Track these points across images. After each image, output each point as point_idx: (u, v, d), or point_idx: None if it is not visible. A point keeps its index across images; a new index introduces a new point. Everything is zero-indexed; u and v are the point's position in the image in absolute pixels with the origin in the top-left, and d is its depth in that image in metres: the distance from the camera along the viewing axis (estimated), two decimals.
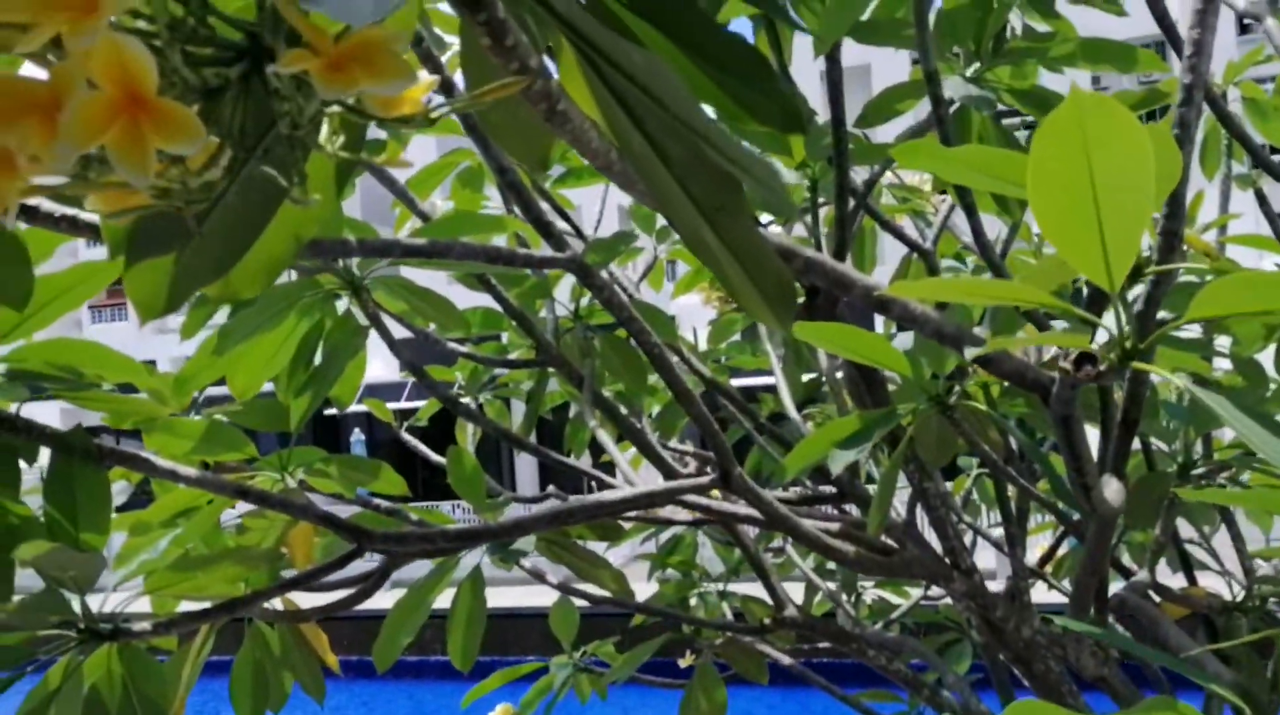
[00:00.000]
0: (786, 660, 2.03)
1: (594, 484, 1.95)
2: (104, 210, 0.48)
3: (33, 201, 0.87)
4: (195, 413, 1.61)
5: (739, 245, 0.53)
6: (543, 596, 2.45)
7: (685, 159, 0.53)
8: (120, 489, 1.43)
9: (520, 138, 0.72)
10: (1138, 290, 0.96)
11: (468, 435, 2.34)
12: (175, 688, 1.39)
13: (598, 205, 2.32)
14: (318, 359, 1.53)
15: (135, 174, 0.37)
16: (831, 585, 2.35)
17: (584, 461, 2.23)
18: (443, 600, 1.91)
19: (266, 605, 1.44)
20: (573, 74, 0.65)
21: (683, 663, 2.60)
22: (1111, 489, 1.02)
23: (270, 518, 1.43)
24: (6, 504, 1.11)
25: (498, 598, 2.47)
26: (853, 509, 2.08)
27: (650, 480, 1.95)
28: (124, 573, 1.36)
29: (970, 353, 0.81)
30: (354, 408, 1.87)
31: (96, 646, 1.14)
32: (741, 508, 1.28)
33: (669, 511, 2.29)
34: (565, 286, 2.05)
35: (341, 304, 1.52)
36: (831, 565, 2.69)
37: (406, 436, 2.31)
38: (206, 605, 1.16)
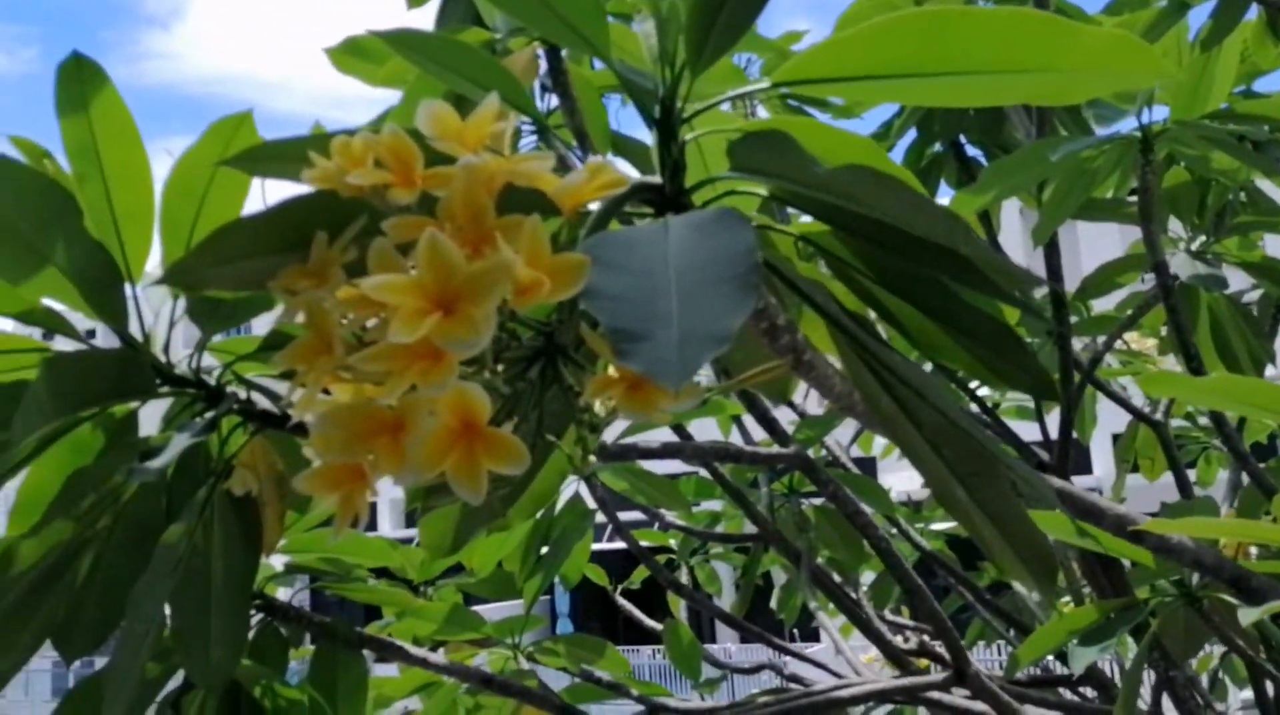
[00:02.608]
0: None
1: (795, 633, 1.92)
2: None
3: None
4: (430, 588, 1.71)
5: (994, 509, 0.55)
6: None
7: (938, 426, 0.56)
8: None
9: (765, 378, 0.76)
10: None
11: (680, 601, 2.36)
12: None
13: None
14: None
15: (470, 494, 0.42)
16: None
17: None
18: None
19: None
20: (816, 328, 0.69)
21: None
22: None
23: (501, 701, 1.49)
24: (275, 686, 1.21)
25: None
26: (1087, 690, 1.97)
27: (859, 645, 1.91)
28: None
29: (1246, 616, 0.78)
30: None
31: None
32: (977, 704, 1.24)
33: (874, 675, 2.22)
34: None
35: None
36: None
37: (620, 600, 2.35)
38: None
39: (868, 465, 2.69)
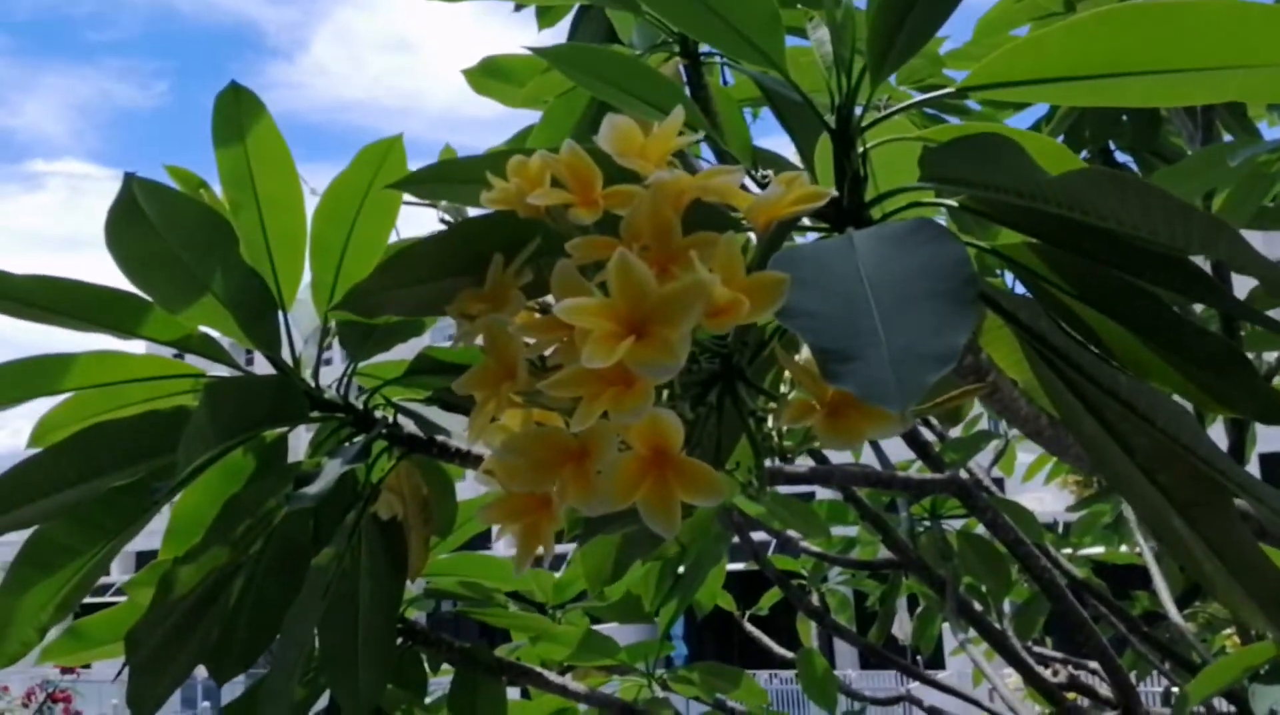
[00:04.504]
0: None
1: (919, 659, 1.84)
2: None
3: (463, 446, 0.97)
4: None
5: (1220, 542, 0.50)
6: None
7: (1153, 450, 0.51)
8: None
9: (939, 401, 0.72)
10: None
11: (811, 630, 2.30)
12: None
13: None
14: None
15: (664, 527, 0.40)
16: None
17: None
18: None
19: None
20: (1000, 344, 0.64)
21: None
22: None
23: None
24: (415, 710, 1.20)
25: None
26: None
27: (998, 674, 1.82)
28: None
29: None
30: None
31: None
32: None
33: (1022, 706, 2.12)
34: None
35: None
36: None
37: (750, 627, 2.30)
38: None
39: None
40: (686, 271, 0.40)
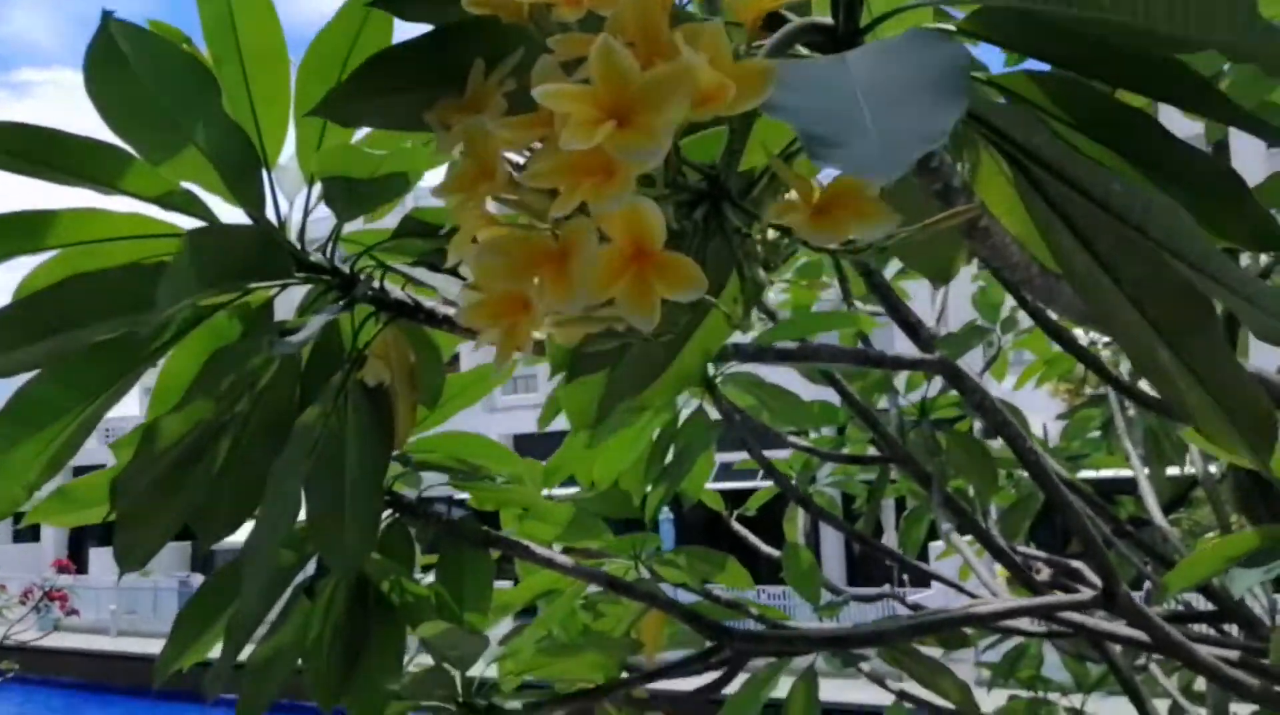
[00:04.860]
0: None
1: (905, 577, 1.87)
2: (564, 340, 0.51)
3: (451, 312, 0.96)
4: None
5: (1205, 368, 0.50)
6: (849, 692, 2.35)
7: (1142, 278, 0.50)
8: None
9: (929, 255, 0.71)
10: None
11: (797, 528, 2.32)
12: None
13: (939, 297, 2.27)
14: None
15: (643, 321, 0.39)
16: (1200, 708, 2.11)
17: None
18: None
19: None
20: (994, 190, 0.63)
21: None
22: None
23: (625, 604, 1.48)
24: (404, 582, 1.22)
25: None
26: (1233, 629, 1.87)
27: (986, 580, 1.85)
28: (492, 651, 1.44)
29: None
30: None
31: None
32: (1122, 628, 1.17)
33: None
34: (901, 378, 2.01)
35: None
36: (1200, 687, 2.42)
37: (737, 526, 2.33)
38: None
39: None
40: (671, 60, 0.39)
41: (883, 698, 2.24)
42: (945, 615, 1.11)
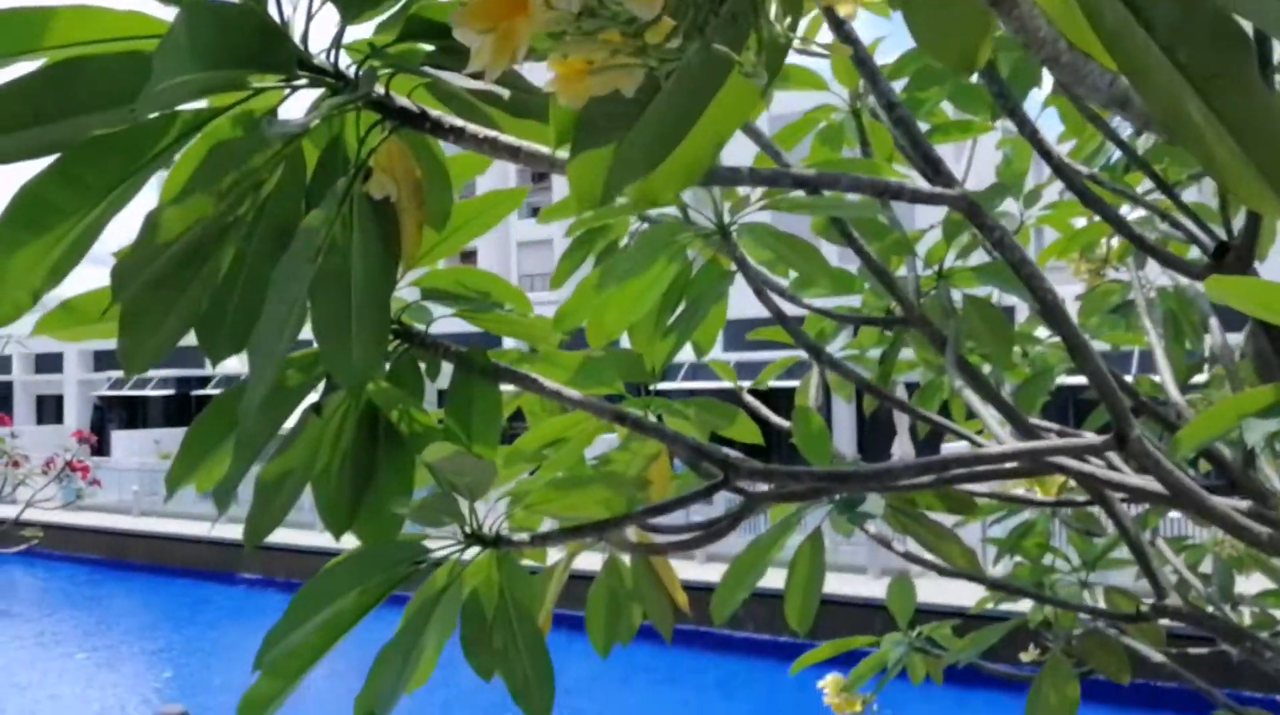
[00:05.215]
0: (1158, 657, 1.85)
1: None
2: (564, 93, 0.49)
3: (458, 123, 0.94)
4: None
5: (1237, 117, 0.47)
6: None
7: (1176, 21, 0.48)
8: None
9: (950, 35, 0.68)
10: None
11: (809, 397, 2.32)
12: (542, 601, 1.47)
13: (961, 164, 2.22)
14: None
15: (643, 7, 0.37)
16: (1205, 587, 2.13)
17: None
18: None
19: (623, 536, 1.50)
20: None
21: (1025, 657, 2.45)
22: None
23: (632, 451, 1.48)
24: (413, 411, 1.22)
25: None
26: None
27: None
28: (500, 491, 1.45)
29: None
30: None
31: (480, 552, 1.22)
32: (1133, 478, 1.17)
33: (1025, 492, 2.16)
34: (923, 248, 1.97)
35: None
36: (1206, 569, 2.44)
37: (749, 397, 2.32)
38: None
39: None
40: None
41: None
42: (953, 456, 1.10)
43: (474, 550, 1.23)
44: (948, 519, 2.00)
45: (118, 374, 35.37)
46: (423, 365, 1.25)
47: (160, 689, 14.18)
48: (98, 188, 0.88)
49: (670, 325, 1.50)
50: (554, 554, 1.68)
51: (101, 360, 36.37)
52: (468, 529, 1.21)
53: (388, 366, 1.23)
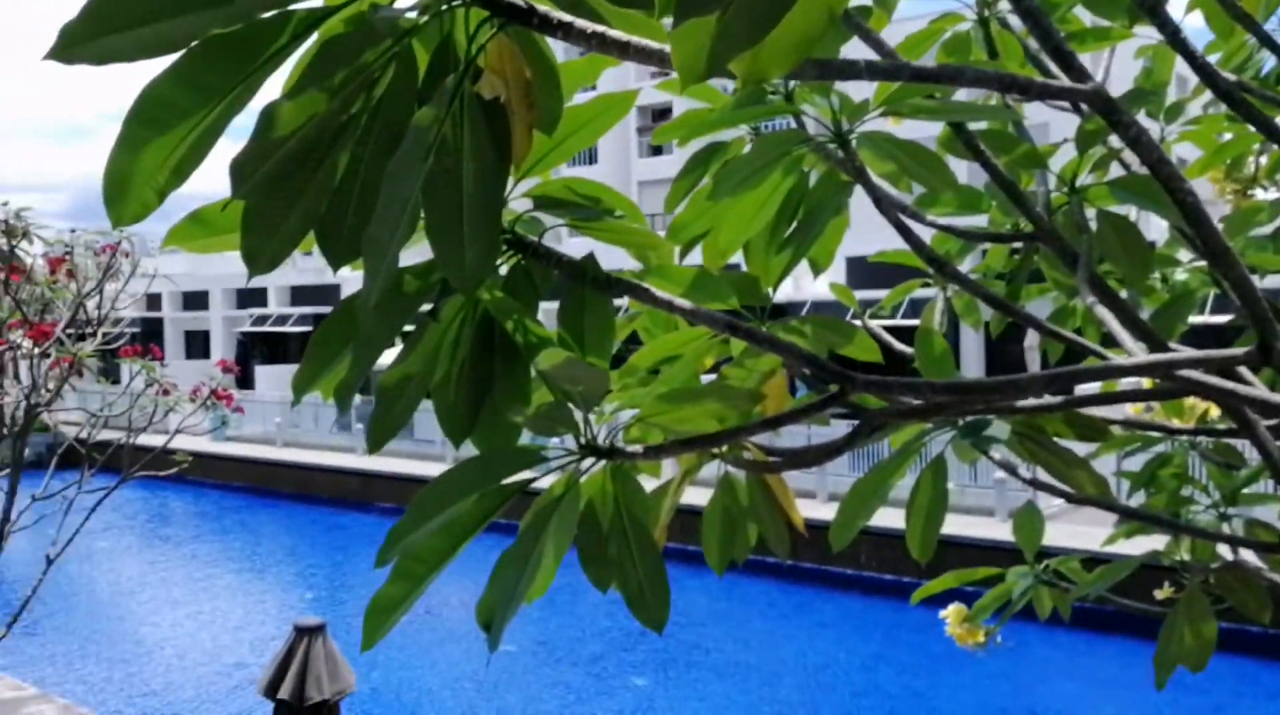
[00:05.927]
0: None
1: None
2: None
3: (565, 18, 0.92)
4: None
5: None
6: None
7: None
8: None
9: None
10: None
11: (934, 322, 2.25)
12: (658, 516, 1.48)
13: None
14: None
15: None
16: None
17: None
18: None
19: (741, 453, 1.49)
20: None
21: (1159, 594, 2.36)
22: None
23: (747, 367, 1.47)
24: (527, 322, 1.22)
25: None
26: None
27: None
28: (614, 406, 1.45)
29: None
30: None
31: (595, 462, 1.22)
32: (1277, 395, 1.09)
33: (1161, 422, 2.06)
34: (1055, 165, 1.88)
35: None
36: None
37: (871, 323, 2.27)
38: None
39: None
40: None
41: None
42: (1085, 367, 1.04)
43: (589, 461, 1.23)
44: (1079, 449, 1.92)
45: (261, 311, 36.98)
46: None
47: (300, 607, 14.99)
48: (215, 88, 0.89)
49: (785, 240, 1.46)
50: (668, 473, 1.69)
51: (245, 298, 38.05)
52: (582, 440, 1.22)
53: (503, 275, 1.24)
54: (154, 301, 39.54)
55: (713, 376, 1.61)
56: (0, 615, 6.20)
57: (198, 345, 39.50)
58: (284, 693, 4.93)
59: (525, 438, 1.27)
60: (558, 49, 1.10)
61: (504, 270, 1.23)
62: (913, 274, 2.35)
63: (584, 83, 1.17)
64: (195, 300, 39.51)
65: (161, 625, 14.69)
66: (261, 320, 36.85)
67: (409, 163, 0.87)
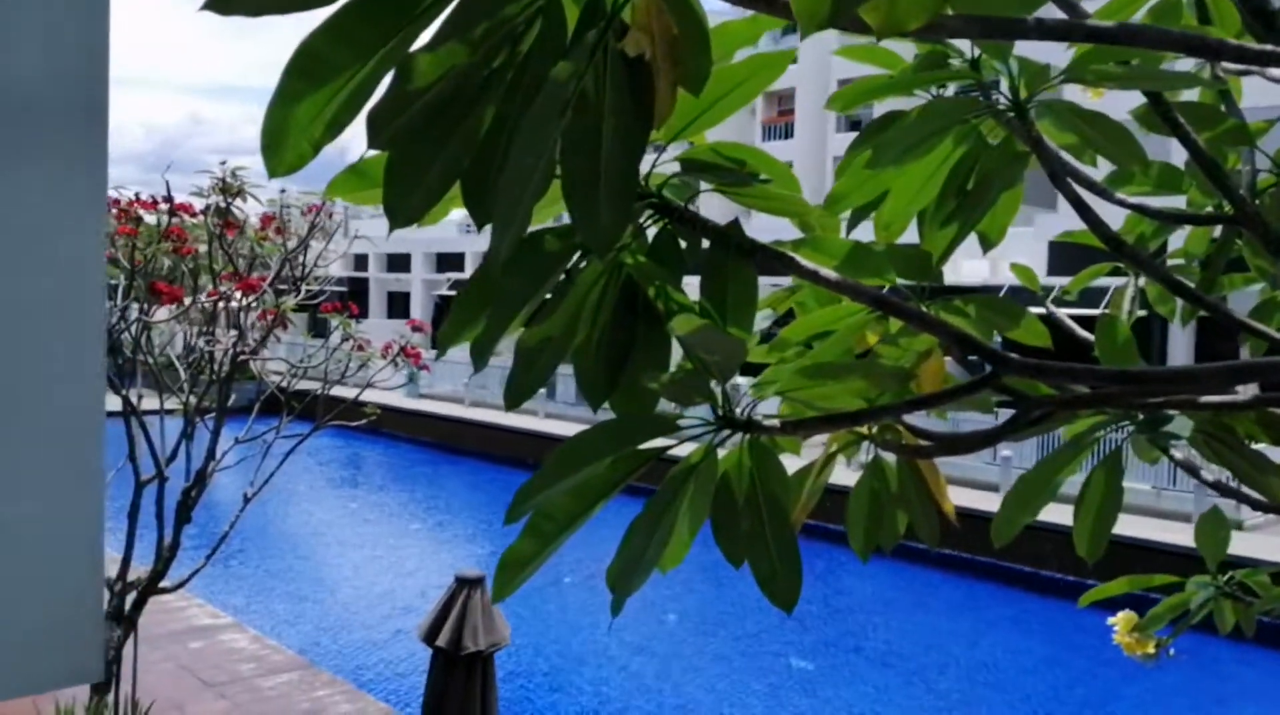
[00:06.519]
0: None
1: None
2: None
3: None
4: None
5: None
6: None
7: None
8: None
9: None
10: None
11: (1123, 309, 2.10)
12: (798, 497, 1.44)
13: None
14: None
15: None
16: None
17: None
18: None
19: (891, 435, 1.43)
20: None
21: None
22: None
23: (901, 347, 1.40)
24: (669, 289, 1.20)
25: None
26: None
27: None
28: (755, 380, 1.42)
29: None
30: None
31: (730, 434, 1.20)
32: None
33: None
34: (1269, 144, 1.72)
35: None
36: None
37: (1052, 307, 2.14)
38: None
39: None
40: None
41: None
42: (1276, 360, 0.94)
43: (725, 433, 1.21)
44: (1273, 454, 1.76)
45: (457, 275, 38.45)
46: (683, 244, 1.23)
47: (470, 561, 15.57)
48: (368, 43, 0.91)
49: (952, 213, 1.39)
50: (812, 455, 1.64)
51: (443, 262, 39.66)
52: (720, 411, 1.19)
53: (649, 241, 1.22)
54: (361, 262, 41.75)
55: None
56: (202, 547, 6.70)
57: (399, 306, 41.51)
58: (441, 640, 5.13)
59: (664, 407, 1.26)
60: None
61: (651, 235, 1.22)
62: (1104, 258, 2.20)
63: (743, 44, 1.14)
64: (398, 262, 41.50)
65: (343, 567, 15.58)
66: (458, 284, 38.34)
67: (545, 115, 0.86)
